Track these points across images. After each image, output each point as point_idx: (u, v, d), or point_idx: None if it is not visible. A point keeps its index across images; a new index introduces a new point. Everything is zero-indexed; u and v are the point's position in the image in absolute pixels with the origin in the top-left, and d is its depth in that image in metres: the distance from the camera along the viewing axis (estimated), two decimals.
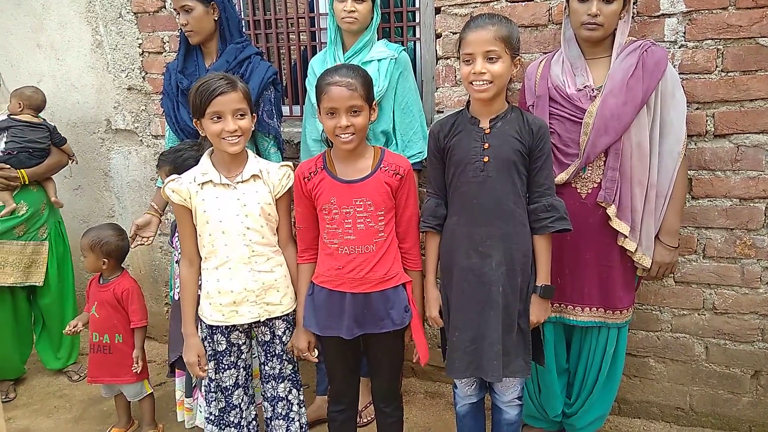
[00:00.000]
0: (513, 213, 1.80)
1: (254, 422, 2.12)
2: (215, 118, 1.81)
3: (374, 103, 1.85)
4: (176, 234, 2.19)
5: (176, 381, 2.33)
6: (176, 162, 2.13)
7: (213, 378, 1.99)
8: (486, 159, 1.79)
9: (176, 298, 2.21)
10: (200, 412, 2.15)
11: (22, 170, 2.86)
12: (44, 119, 3.02)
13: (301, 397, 2.11)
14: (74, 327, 2.47)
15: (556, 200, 1.82)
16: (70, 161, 3.11)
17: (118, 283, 2.47)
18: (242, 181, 1.89)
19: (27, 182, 2.89)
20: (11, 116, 2.92)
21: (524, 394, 2.06)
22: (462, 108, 1.91)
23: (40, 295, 3.04)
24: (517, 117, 1.82)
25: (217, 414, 2.02)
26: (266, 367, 2.05)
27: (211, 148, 1.94)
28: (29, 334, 3.10)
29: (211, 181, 1.87)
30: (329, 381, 2.05)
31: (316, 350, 2.00)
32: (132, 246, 2.37)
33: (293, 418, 2.08)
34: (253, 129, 1.93)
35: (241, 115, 1.84)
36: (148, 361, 2.57)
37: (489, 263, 1.80)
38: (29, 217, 2.92)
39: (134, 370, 2.44)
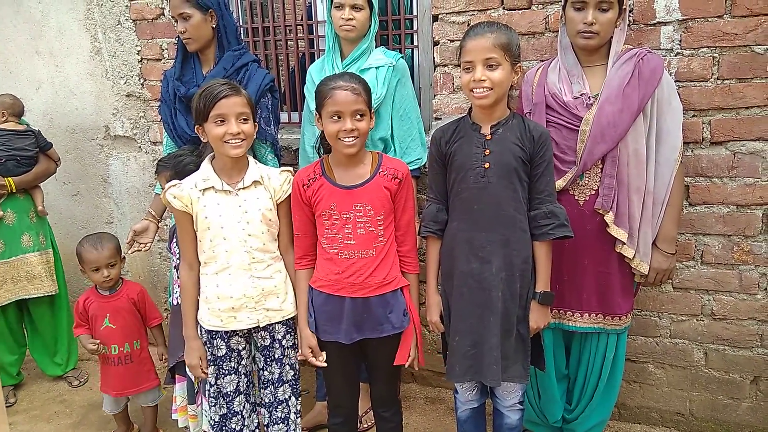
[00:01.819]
0: (513, 219, 1.81)
1: (257, 431, 2.12)
2: (219, 121, 1.82)
3: (372, 111, 1.87)
4: (174, 239, 2.19)
5: (176, 387, 2.32)
6: (177, 167, 2.13)
7: (213, 384, 1.99)
8: (487, 165, 1.80)
9: (175, 303, 2.21)
10: (205, 417, 2.14)
11: (9, 178, 2.85)
12: (28, 124, 3.01)
13: (299, 407, 2.10)
14: (95, 347, 2.40)
15: (557, 207, 1.83)
16: (57, 166, 3.08)
17: (128, 288, 2.49)
18: (243, 188, 1.89)
19: (14, 190, 2.88)
20: None
21: (525, 399, 2.06)
22: (464, 114, 1.92)
23: (32, 302, 3.01)
24: (518, 124, 1.83)
25: (217, 420, 2.01)
26: (265, 372, 2.05)
27: (212, 154, 1.95)
28: (21, 341, 3.08)
29: (212, 187, 1.88)
30: (327, 391, 2.05)
31: (323, 353, 1.93)
32: (130, 252, 2.37)
33: (291, 424, 2.08)
34: None
35: (245, 119, 1.85)
36: None
37: (489, 268, 1.81)
38: (31, 228, 2.94)
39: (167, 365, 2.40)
